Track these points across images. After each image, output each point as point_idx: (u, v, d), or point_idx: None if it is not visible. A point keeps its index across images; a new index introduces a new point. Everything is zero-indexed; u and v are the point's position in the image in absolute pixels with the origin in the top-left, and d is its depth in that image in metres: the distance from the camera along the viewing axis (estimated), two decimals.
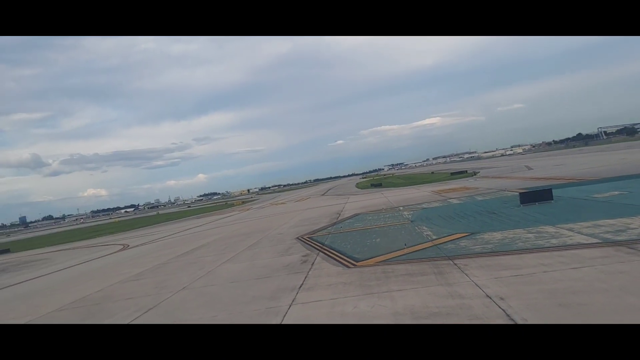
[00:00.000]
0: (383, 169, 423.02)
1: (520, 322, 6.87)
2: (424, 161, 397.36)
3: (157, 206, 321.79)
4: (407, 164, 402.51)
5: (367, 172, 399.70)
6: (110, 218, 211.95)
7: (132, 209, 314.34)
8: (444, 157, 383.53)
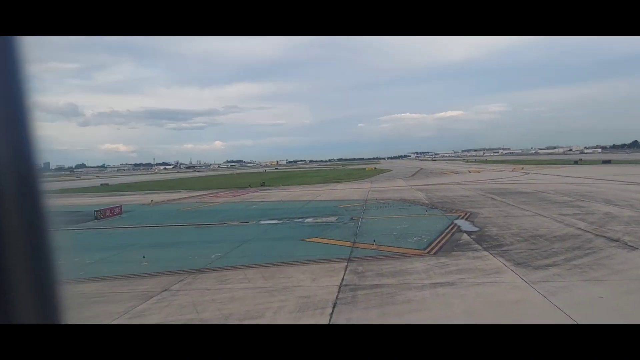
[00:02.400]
0: (410, 156, 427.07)
1: None
2: (454, 153, 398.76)
3: (194, 167, 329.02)
4: (437, 154, 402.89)
5: (393, 157, 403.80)
6: (156, 172, 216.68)
7: (172, 167, 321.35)
8: (476, 150, 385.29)
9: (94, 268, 18.39)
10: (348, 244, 20.38)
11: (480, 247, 18.04)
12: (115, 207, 37.87)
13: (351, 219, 29.01)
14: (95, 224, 32.64)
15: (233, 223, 30.35)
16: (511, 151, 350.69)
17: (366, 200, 40.29)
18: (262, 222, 30.05)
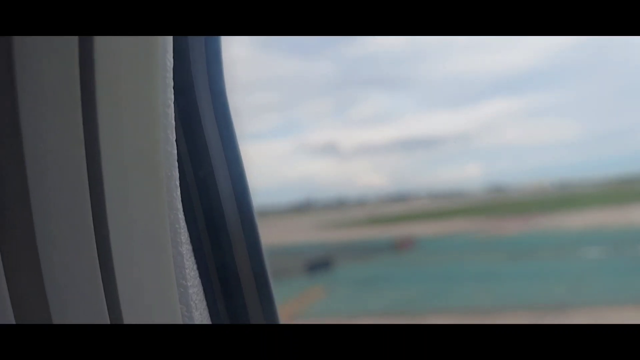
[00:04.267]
0: None
1: None
2: None
3: (450, 195, 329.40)
4: None
5: None
6: (414, 201, 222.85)
7: (425, 197, 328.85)
8: None
9: None
10: None
11: None
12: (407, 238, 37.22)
13: None
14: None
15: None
16: None
17: None
18: None
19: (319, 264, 25.81)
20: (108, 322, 0.69)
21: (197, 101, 0.90)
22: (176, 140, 0.80)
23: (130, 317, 0.72)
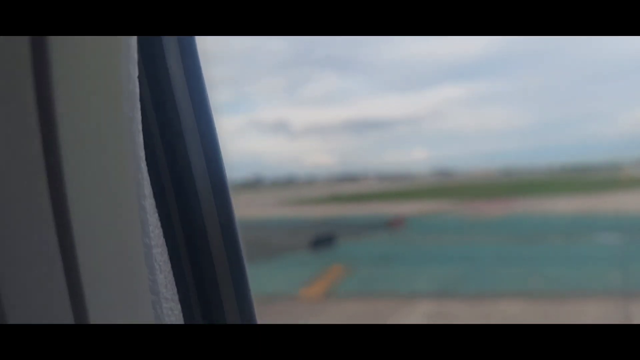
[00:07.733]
0: None
1: None
2: None
3: (398, 177, 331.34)
4: None
5: None
6: (364, 183, 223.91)
7: (375, 178, 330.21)
8: None
9: None
10: None
11: None
12: (399, 217, 35.75)
13: None
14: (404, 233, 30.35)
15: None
16: None
17: None
18: None
19: (323, 239, 23.79)
20: (67, 294, 0.65)
21: (168, 64, 0.82)
22: (142, 95, 0.74)
23: (94, 285, 0.67)
